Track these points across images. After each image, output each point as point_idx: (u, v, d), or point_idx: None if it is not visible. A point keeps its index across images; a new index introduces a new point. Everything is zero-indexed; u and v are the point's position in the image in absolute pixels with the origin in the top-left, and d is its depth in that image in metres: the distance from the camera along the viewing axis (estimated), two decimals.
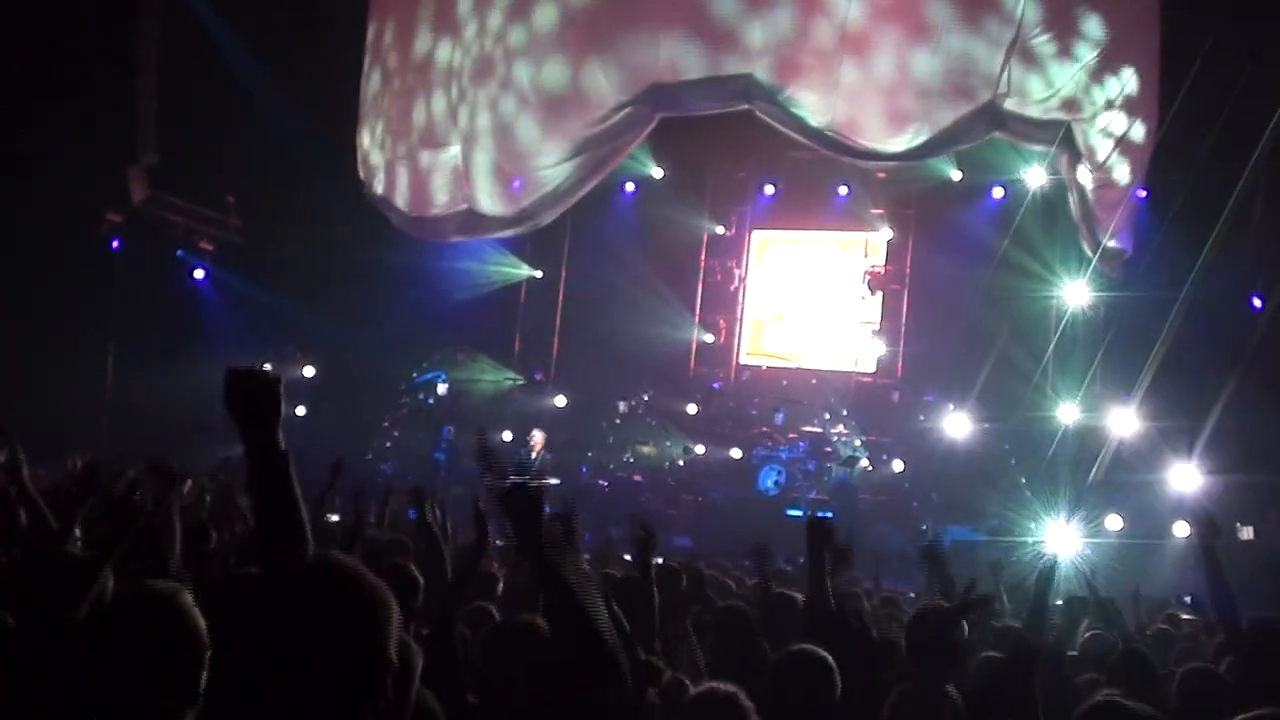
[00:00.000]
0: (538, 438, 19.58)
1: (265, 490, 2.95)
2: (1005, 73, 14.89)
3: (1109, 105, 15.39)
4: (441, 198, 18.14)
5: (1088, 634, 8.21)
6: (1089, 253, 16.53)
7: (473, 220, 17.96)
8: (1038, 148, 16.41)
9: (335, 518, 10.27)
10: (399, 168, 18.69)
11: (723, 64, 15.73)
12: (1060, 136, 15.42)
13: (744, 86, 15.65)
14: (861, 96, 15.45)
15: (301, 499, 3.00)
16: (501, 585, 7.52)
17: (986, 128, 15.43)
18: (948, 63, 15.08)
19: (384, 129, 18.99)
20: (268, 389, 2.97)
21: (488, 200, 17.64)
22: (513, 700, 4.66)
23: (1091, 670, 6.55)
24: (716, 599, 8.56)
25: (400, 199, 18.68)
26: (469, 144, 17.52)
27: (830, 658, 4.82)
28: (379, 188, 18.93)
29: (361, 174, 19.23)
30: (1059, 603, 10.83)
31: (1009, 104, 15.12)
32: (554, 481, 19.19)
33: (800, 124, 15.68)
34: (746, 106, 15.89)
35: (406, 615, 5.56)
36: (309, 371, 22.81)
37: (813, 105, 15.54)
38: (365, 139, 19.30)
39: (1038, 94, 15.14)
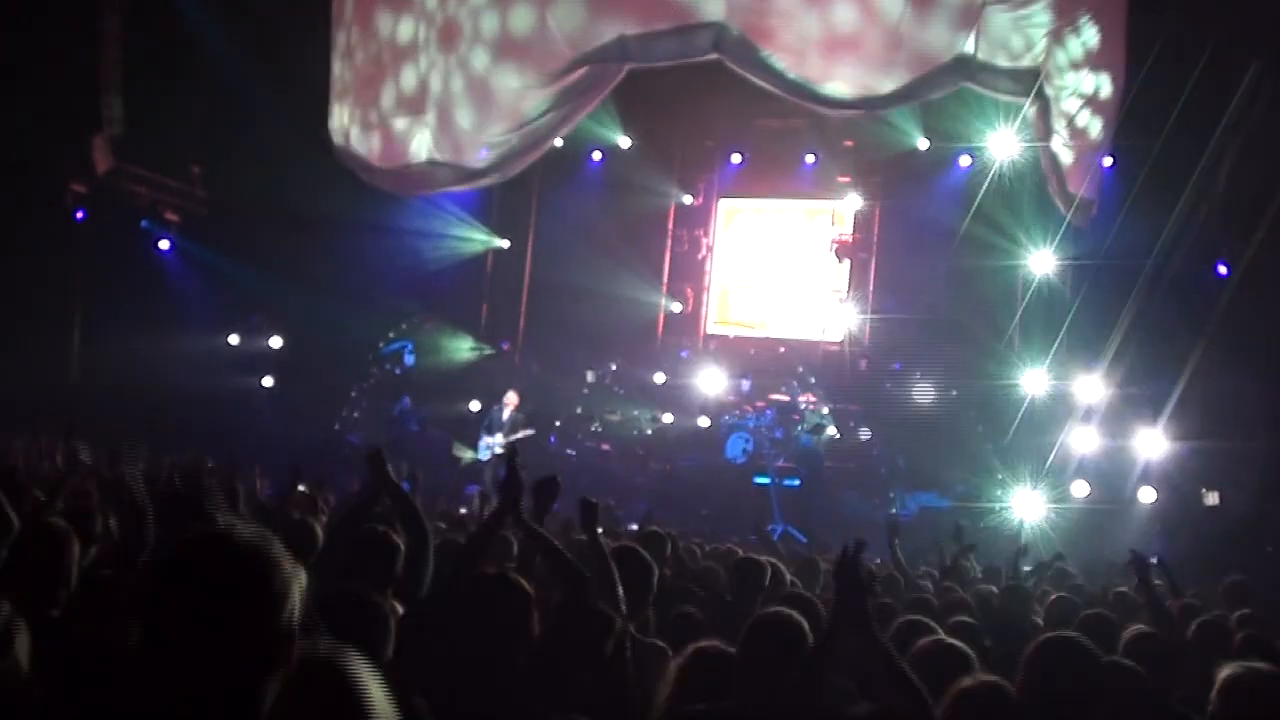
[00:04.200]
0: (512, 398, 19.61)
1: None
2: (975, 30, 14.90)
3: (1075, 67, 15.43)
4: (408, 158, 18.12)
5: (1053, 598, 8.34)
6: (1060, 207, 16.54)
7: (440, 173, 17.92)
8: (1009, 98, 16.34)
9: (303, 487, 10.30)
10: (367, 134, 18.64)
11: (692, 12, 15.70)
12: (1032, 88, 15.42)
13: (713, 35, 15.58)
14: (832, 44, 15.41)
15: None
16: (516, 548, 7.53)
17: (958, 78, 15.41)
18: (919, 14, 15.10)
19: (352, 99, 18.92)
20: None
21: (455, 158, 17.65)
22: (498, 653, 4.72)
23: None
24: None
25: (369, 156, 18.68)
26: (434, 111, 17.46)
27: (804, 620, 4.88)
28: (347, 145, 18.93)
29: (333, 140, 19.19)
30: (1028, 568, 11.05)
31: (980, 55, 15.12)
32: (529, 432, 19.25)
33: (770, 72, 15.60)
34: (716, 56, 15.81)
35: (387, 581, 5.60)
36: (276, 343, 22.78)
37: (783, 54, 15.48)
38: (335, 108, 19.25)
39: (1007, 52, 15.17)
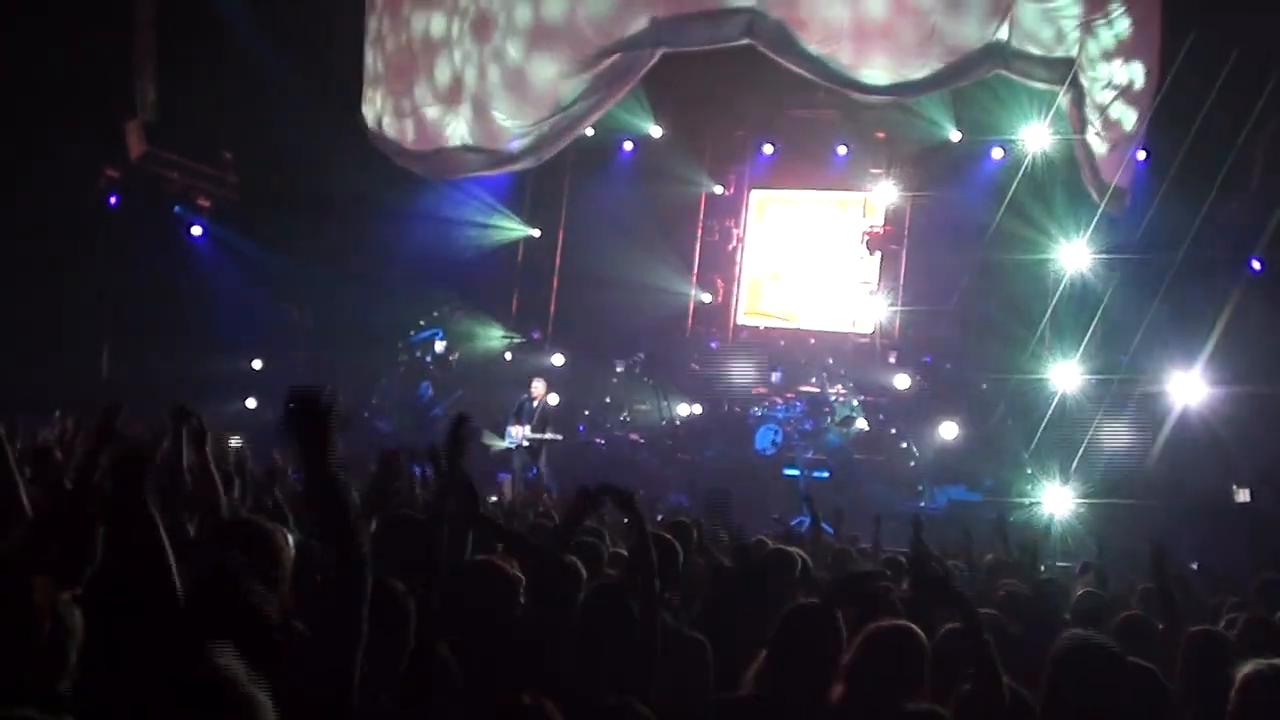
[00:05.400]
0: (539, 387, 19.54)
1: (320, 511, 3.07)
2: (1007, 18, 14.86)
3: (1108, 58, 15.37)
4: (441, 143, 18.21)
5: (1081, 592, 8.27)
6: (1094, 195, 16.47)
7: (473, 157, 18.00)
8: (1043, 87, 16.25)
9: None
10: (400, 120, 18.73)
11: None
12: (1066, 78, 15.34)
13: (746, 20, 15.55)
14: (865, 28, 15.38)
15: (354, 519, 3.14)
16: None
17: (991, 65, 15.36)
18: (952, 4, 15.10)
19: (385, 85, 18.99)
20: (320, 418, 3.04)
21: (487, 144, 17.74)
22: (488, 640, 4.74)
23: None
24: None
25: (402, 141, 18.78)
26: (468, 98, 17.53)
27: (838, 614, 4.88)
28: (380, 130, 19.02)
29: (366, 124, 19.27)
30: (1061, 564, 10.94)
31: (1013, 43, 15.08)
32: (556, 437, 19.21)
33: (802, 58, 15.56)
34: (748, 42, 15.78)
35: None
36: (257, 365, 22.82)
37: (815, 39, 15.45)
38: (368, 93, 19.33)
39: (1040, 41, 15.12)
